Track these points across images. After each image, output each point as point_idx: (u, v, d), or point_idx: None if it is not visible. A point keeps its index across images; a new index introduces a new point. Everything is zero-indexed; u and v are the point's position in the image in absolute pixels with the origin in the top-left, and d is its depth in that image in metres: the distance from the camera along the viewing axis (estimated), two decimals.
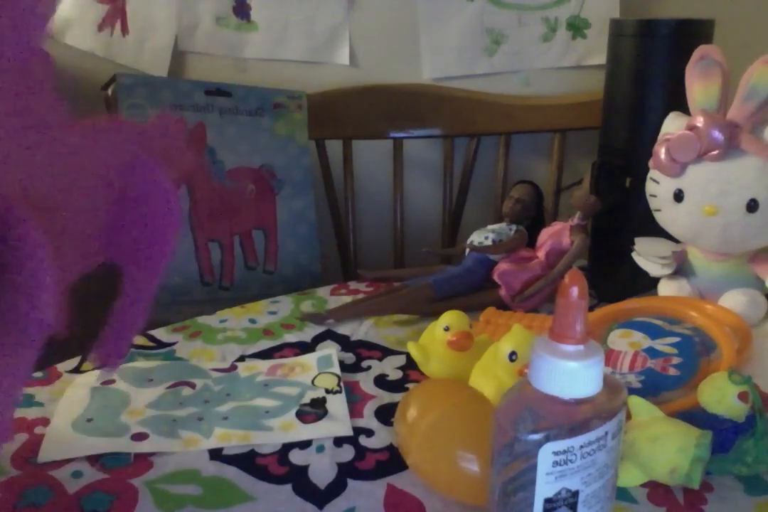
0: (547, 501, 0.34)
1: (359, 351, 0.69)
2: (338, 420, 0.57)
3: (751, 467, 0.48)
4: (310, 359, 0.67)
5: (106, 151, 0.26)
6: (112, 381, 0.62)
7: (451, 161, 1.08)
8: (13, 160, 0.23)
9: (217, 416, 0.58)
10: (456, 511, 0.47)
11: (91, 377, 0.63)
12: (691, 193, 0.68)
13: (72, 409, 0.58)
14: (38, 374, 0.64)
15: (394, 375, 0.65)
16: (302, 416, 0.58)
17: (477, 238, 0.83)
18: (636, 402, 0.49)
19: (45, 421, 0.57)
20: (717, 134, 0.64)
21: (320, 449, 0.54)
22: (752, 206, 0.66)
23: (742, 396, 0.48)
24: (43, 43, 0.23)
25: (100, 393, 0.60)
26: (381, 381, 0.64)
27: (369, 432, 0.56)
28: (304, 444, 0.54)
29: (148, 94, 0.88)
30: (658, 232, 0.74)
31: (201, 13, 1.07)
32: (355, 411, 0.59)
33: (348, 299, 0.80)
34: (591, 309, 0.71)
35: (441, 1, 1.02)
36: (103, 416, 0.57)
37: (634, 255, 0.75)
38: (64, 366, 0.65)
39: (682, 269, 0.74)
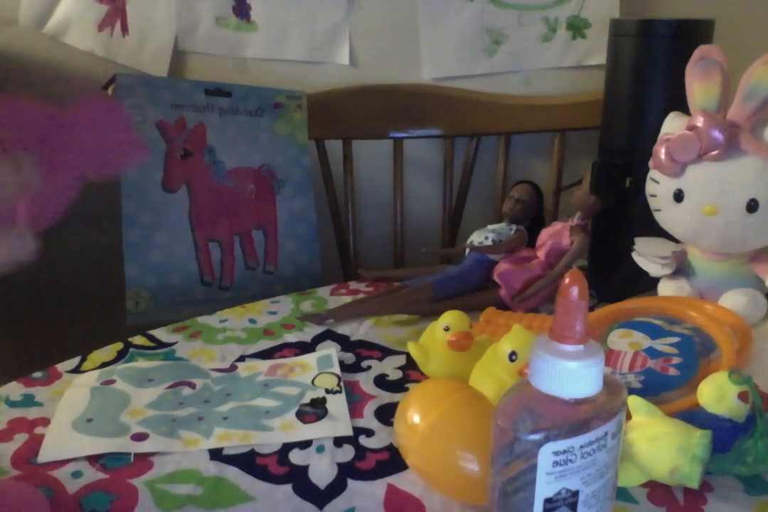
0: (547, 501, 0.34)
1: (359, 351, 0.69)
2: (338, 420, 0.57)
3: (751, 467, 0.48)
4: (310, 359, 0.67)
5: None
6: (112, 381, 0.62)
7: (451, 161, 1.08)
8: None
9: (217, 416, 0.58)
10: (456, 511, 0.47)
11: (91, 377, 0.63)
12: (691, 193, 0.68)
13: (72, 409, 0.58)
14: (38, 374, 0.64)
15: (394, 375, 0.65)
16: (302, 416, 0.58)
17: (477, 237, 0.83)
18: (636, 402, 0.49)
19: (45, 421, 0.57)
20: (717, 134, 0.64)
21: (320, 449, 0.54)
22: (752, 206, 0.66)
23: (742, 396, 0.48)
24: None
25: (100, 393, 0.60)
26: (381, 381, 0.64)
27: (369, 432, 0.56)
28: (304, 444, 0.54)
29: (148, 94, 0.88)
30: (658, 232, 0.74)
31: (201, 13, 1.07)
32: (355, 411, 0.59)
33: (348, 299, 0.80)
34: (591, 309, 0.71)
35: (441, 1, 1.02)
36: (103, 416, 0.57)
37: (634, 255, 0.75)
38: (64, 366, 0.65)
39: (682, 269, 0.74)
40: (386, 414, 0.58)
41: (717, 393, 0.48)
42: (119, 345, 0.69)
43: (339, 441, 0.55)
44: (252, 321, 0.76)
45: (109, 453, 0.53)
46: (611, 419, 0.34)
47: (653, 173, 0.71)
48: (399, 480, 0.50)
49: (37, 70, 1.15)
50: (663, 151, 0.68)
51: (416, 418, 0.49)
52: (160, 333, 0.72)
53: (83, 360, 0.67)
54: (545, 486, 0.34)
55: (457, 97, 1.05)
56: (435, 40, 1.04)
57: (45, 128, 0.27)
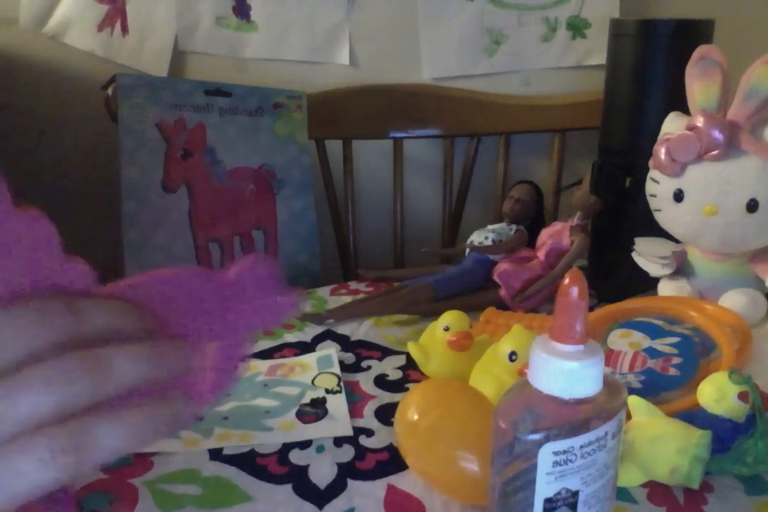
0: (547, 501, 0.34)
1: (359, 351, 0.69)
2: (338, 420, 0.57)
3: (751, 467, 0.48)
4: (310, 359, 0.67)
5: None
6: None
7: (451, 161, 1.08)
8: None
9: (217, 416, 0.58)
10: (456, 511, 0.47)
11: None
12: (691, 193, 0.68)
13: None
14: None
15: (394, 375, 0.65)
16: (302, 416, 0.58)
17: (477, 238, 0.83)
18: (636, 402, 0.49)
19: None
20: (717, 134, 0.64)
21: (320, 449, 0.54)
22: (752, 206, 0.66)
23: (742, 396, 0.48)
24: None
25: None
26: (381, 381, 0.64)
27: (369, 432, 0.56)
28: (304, 444, 0.54)
29: (148, 94, 0.88)
30: (658, 232, 0.74)
31: (201, 13, 1.07)
32: (355, 411, 0.59)
33: (348, 299, 0.80)
34: (591, 309, 0.71)
35: (441, 1, 1.02)
36: None
37: (634, 255, 0.75)
38: None
39: (682, 269, 0.74)
40: (386, 414, 0.58)
41: (717, 393, 0.48)
42: None
43: (339, 441, 0.55)
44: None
45: None
46: (611, 419, 0.34)
47: (653, 173, 0.71)
48: (399, 480, 0.50)
49: (37, 70, 1.15)
50: (663, 151, 0.68)
51: (416, 418, 0.49)
52: None
53: None
54: (545, 486, 0.34)
55: (457, 97, 1.05)
56: (435, 40, 1.04)
57: (206, 297, 0.28)
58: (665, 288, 0.73)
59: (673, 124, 0.69)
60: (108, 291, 0.26)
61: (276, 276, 0.30)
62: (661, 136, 0.70)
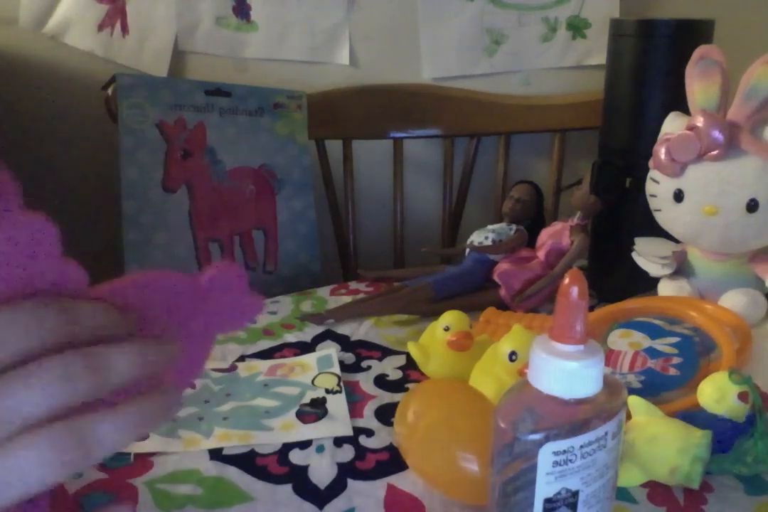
0: (547, 501, 0.34)
1: (359, 351, 0.69)
2: (338, 420, 0.57)
3: (751, 467, 0.48)
4: (310, 359, 0.67)
5: None
6: None
7: (451, 161, 1.08)
8: None
9: (217, 416, 0.58)
10: (456, 511, 0.47)
11: None
12: (691, 193, 0.68)
13: None
14: None
15: (394, 375, 0.65)
16: (302, 416, 0.58)
17: (477, 238, 0.83)
18: (636, 402, 0.49)
19: None
20: (717, 134, 0.64)
21: (320, 449, 0.54)
22: (752, 206, 0.66)
23: (742, 396, 0.48)
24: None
25: None
26: (381, 381, 0.64)
27: (369, 432, 0.56)
28: (304, 444, 0.54)
29: (148, 94, 0.88)
30: (658, 232, 0.74)
31: (201, 13, 1.07)
32: (355, 411, 0.59)
33: (348, 299, 0.80)
34: (591, 309, 0.71)
35: (441, 1, 1.02)
36: None
37: (634, 255, 0.75)
38: None
39: (682, 269, 0.74)
40: (386, 414, 0.58)
41: (717, 393, 0.48)
42: None
43: (339, 441, 0.55)
44: (252, 321, 0.76)
45: None
46: (611, 419, 0.34)
47: (653, 173, 0.71)
48: (399, 480, 0.50)
49: (37, 70, 1.15)
50: (663, 151, 0.68)
51: (416, 418, 0.49)
52: None
53: None
54: (545, 486, 0.34)
55: (457, 97, 1.05)
56: (435, 40, 1.04)
57: (183, 297, 0.30)
58: (665, 288, 0.73)
59: (673, 124, 0.69)
60: (94, 294, 0.27)
61: (244, 282, 0.31)
62: (661, 136, 0.70)
